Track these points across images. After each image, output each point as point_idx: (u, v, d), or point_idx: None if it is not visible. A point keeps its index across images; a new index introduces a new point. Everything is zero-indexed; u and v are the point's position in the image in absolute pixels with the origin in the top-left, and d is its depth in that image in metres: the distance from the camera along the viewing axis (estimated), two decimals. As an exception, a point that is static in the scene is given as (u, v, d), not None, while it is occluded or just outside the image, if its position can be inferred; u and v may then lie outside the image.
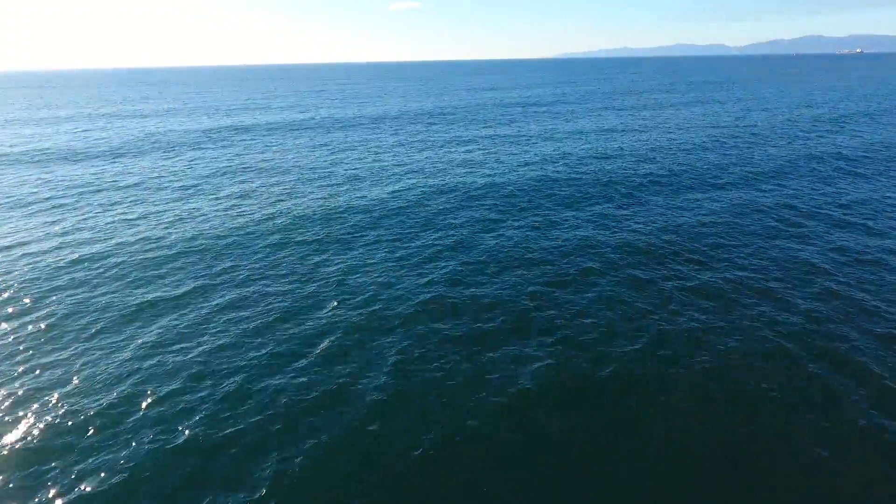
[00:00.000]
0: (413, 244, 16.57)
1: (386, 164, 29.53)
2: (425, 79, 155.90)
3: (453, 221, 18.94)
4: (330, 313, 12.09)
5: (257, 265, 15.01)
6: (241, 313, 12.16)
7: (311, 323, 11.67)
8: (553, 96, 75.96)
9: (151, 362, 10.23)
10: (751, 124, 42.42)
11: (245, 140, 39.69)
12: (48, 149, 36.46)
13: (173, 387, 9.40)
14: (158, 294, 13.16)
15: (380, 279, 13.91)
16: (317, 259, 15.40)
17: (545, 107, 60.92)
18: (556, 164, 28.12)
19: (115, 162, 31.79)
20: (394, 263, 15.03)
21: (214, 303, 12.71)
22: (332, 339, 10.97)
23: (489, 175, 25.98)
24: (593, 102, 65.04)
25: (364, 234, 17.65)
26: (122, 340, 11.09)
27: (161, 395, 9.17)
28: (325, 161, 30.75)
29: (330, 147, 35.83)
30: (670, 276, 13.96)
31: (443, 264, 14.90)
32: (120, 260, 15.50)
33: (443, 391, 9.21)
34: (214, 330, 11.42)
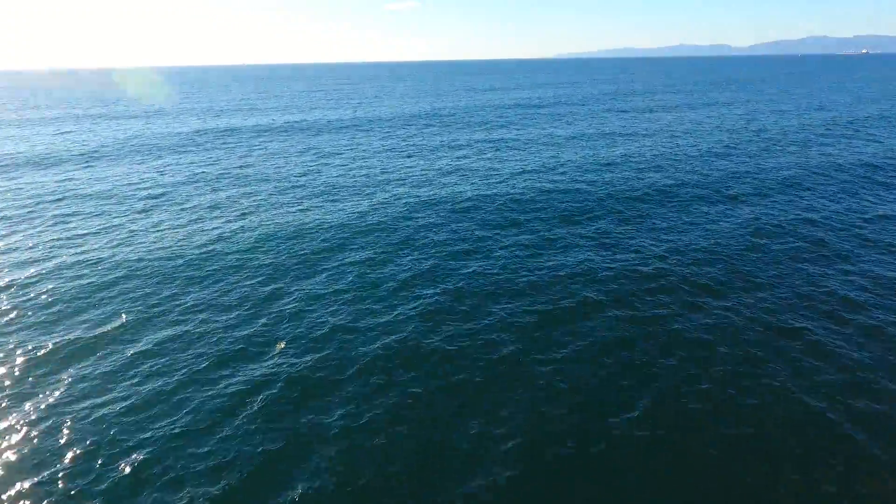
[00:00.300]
0: (386, 268, 14.64)
1: (371, 171, 27.59)
2: (424, 80, 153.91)
3: (435, 238, 17.01)
4: (273, 359, 10.18)
5: (204, 293, 13.12)
6: (169, 358, 10.27)
7: (248, 371, 9.77)
8: (553, 98, 73.97)
9: (41, 429, 8.35)
10: (761, 128, 40.36)
11: (229, 143, 37.86)
12: (21, 153, 34.68)
13: (53, 468, 7.51)
14: (79, 333, 11.28)
15: (340, 313, 12.00)
16: (273, 286, 13.49)
17: (545, 108, 58.93)
18: (554, 173, 26.15)
19: (87, 167, 29.98)
20: (360, 292, 13.11)
21: (142, 343, 10.81)
22: (268, 395, 9.06)
23: (480, 184, 24.03)
24: (595, 104, 63.03)
25: (334, 254, 15.73)
26: (18, 396, 9.22)
27: (32, 483, 7.27)
28: (307, 167, 28.85)
29: (315, 151, 33.94)
30: (679, 312, 12.00)
31: (416, 293, 12.98)
32: (51, 286, 13.63)
33: (390, 477, 7.29)
34: (131, 381, 9.53)
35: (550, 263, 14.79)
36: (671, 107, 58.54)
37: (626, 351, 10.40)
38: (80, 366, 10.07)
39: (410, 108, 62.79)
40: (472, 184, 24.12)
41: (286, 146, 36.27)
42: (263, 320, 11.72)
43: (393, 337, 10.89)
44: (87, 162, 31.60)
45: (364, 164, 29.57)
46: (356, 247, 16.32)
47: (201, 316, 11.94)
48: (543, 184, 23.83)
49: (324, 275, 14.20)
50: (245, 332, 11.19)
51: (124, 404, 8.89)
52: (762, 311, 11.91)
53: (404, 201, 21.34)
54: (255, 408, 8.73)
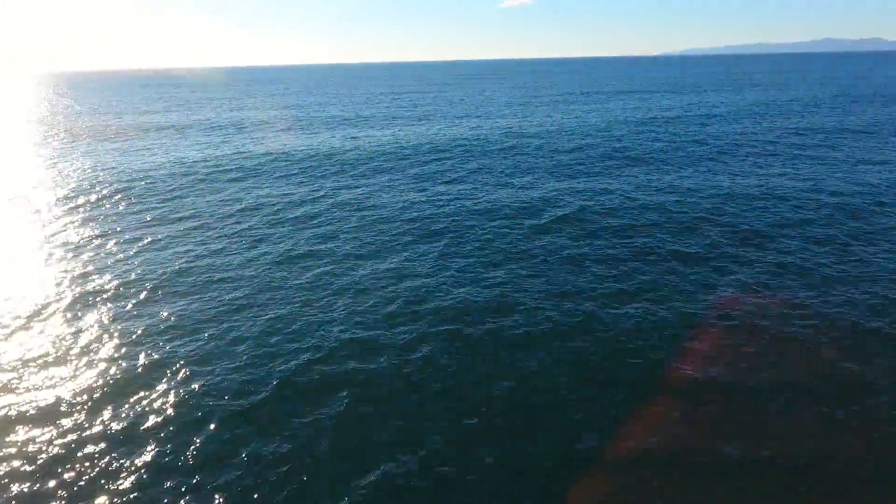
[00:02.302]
0: None
1: (322, 296, 12.89)
2: (525, 78, 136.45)
3: None
4: None
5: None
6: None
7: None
8: (684, 109, 54.08)
9: None
10: None
11: (215, 184, 25.15)
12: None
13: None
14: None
15: None
16: None
17: (672, 126, 40.69)
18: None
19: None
20: None
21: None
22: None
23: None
24: (765, 121, 43.43)
25: None
26: None
27: None
28: (243, 254, 14.87)
29: (295, 213, 20.03)
30: None
31: None
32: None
33: None
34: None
35: None
36: None
37: None
38: None
39: (492, 123, 47.33)
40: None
41: (269, 194, 22.75)
42: None
43: None
44: None
45: (331, 266, 14.93)
46: None
47: None
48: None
49: None
50: None
51: None
52: None
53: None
54: None
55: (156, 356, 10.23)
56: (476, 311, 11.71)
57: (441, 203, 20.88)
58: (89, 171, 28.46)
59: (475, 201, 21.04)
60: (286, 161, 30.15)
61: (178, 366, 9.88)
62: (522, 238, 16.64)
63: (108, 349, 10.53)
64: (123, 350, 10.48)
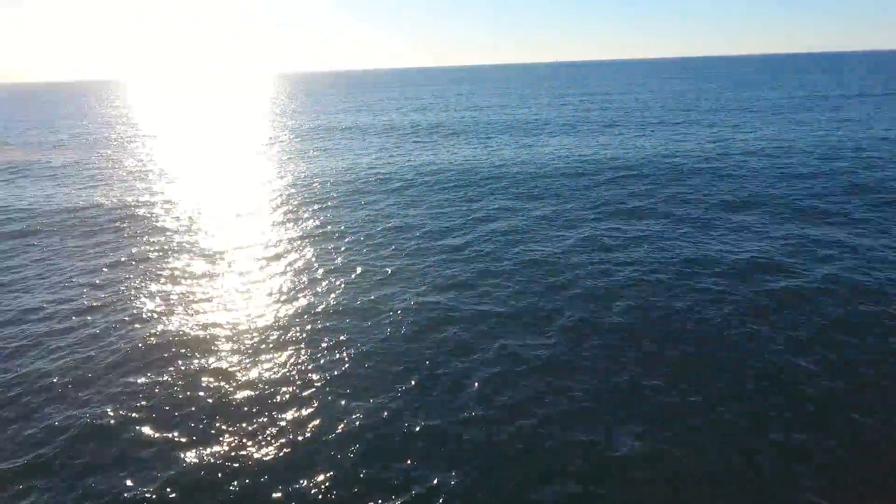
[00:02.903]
0: None
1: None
2: (739, 76, 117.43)
3: None
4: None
5: None
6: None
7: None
8: None
9: None
10: None
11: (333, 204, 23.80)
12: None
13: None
14: None
15: None
16: None
17: None
18: None
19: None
20: None
21: None
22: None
23: None
24: None
25: None
26: None
27: None
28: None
29: (441, 241, 17.04)
30: None
31: None
32: None
33: None
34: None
35: None
36: None
37: None
38: None
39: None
40: None
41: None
42: None
43: None
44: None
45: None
46: None
47: None
48: None
49: None
50: None
51: None
52: None
53: None
54: None
55: (196, 461, 7.73)
56: (681, 476, 7.18)
57: (621, 243, 16.12)
58: (265, 172, 29.19)
59: (668, 245, 15.87)
60: (450, 171, 27.64)
61: (206, 483, 7.21)
62: (744, 315, 11.34)
63: (150, 440, 8.36)
64: (163, 451, 8.18)
